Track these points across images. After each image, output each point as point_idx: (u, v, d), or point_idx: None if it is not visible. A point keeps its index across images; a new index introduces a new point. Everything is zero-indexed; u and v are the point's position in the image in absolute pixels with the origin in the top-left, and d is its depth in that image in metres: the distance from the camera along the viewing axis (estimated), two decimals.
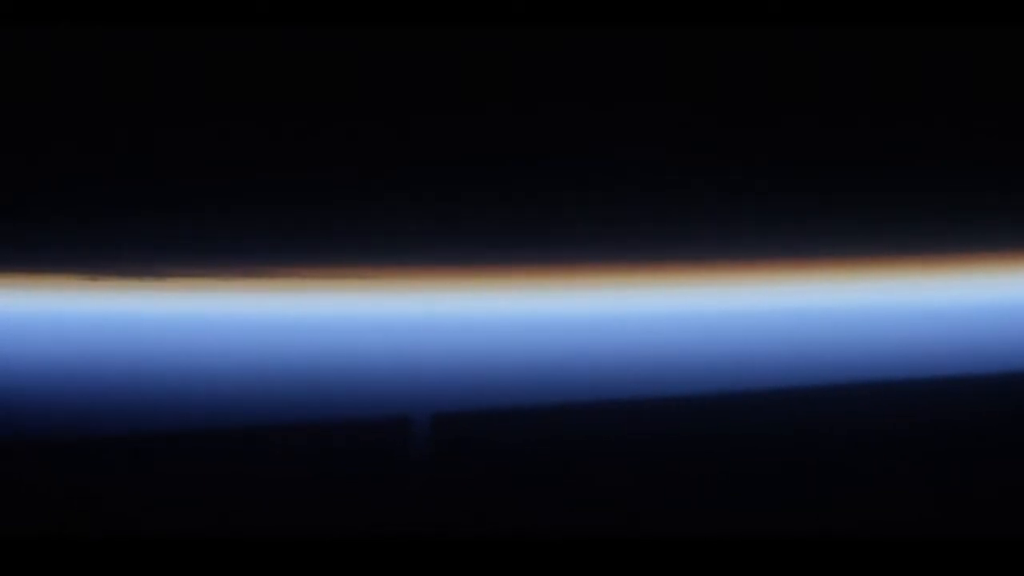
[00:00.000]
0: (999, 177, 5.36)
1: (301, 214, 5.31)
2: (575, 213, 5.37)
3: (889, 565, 5.01)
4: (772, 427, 5.49)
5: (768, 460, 5.42)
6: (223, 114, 5.03)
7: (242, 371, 5.51)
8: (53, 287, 5.55)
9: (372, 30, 4.84)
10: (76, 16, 4.69)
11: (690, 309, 5.69)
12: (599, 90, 5.03)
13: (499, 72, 4.96)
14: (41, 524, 5.08)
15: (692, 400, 5.50)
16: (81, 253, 5.45)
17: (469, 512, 5.26)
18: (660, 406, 5.48)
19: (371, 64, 4.94)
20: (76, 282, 5.53)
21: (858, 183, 5.36)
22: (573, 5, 4.79)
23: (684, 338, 5.65)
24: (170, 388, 5.47)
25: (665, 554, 5.02)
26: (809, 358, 5.66)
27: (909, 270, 5.74)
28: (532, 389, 5.51)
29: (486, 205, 5.32)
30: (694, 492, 5.32)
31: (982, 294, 5.72)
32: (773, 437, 5.47)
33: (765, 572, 5.01)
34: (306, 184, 5.23)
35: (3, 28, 4.68)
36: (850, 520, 5.23)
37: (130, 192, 5.23)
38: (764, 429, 5.48)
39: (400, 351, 5.53)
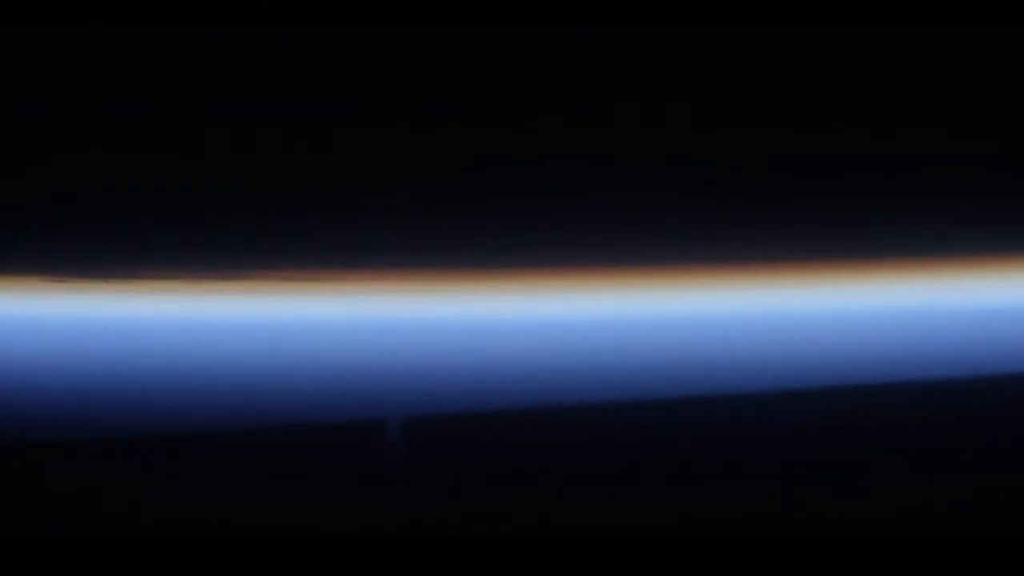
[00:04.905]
0: (999, 179, 5.36)
1: (277, 218, 5.31)
2: (555, 215, 5.37)
3: (888, 565, 5.01)
4: (767, 430, 5.49)
5: (763, 462, 5.42)
6: (203, 117, 5.02)
7: (217, 374, 5.50)
8: (19, 290, 5.53)
9: (369, 31, 4.84)
10: (58, 16, 4.69)
11: (672, 311, 5.69)
12: (598, 91, 5.03)
13: (498, 74, 4.96)
14: (19, 525, 5.08)
15: (673, 403, 5.49)
16: (48, 255, 5.44)
17: (445, 514, 5.26)
18: (642, 409, 5.47)
19: (364, 66, 4.95)
20: (43, 285, 5.52)
21: (858, 184, 5.36)
22: (573, 5, 4.80)
23: (666, 341, 5.64)
24: (141, 391, 5.46)
25: (647, 556, 5.02)
26: (808, 361, 5.66)
27: (908, 272, 5.74)
28: (508, 392, 5.51)
29: (464, 209, 5.31)
30: (676, 494, 5.32)
31: (981, 296, 5.72)
32: (768, 439, 5.47)
33: (763, 572, 5.01)
34: (284, 187, 5.23)
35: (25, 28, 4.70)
36: (850, 520, 5.24)
37: (104, 194, 5.22)
38: (758, 432, 5.48)
39: (375, 354, 5.53)
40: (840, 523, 5.23)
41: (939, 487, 5.34)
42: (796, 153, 5.25)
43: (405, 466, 5.33)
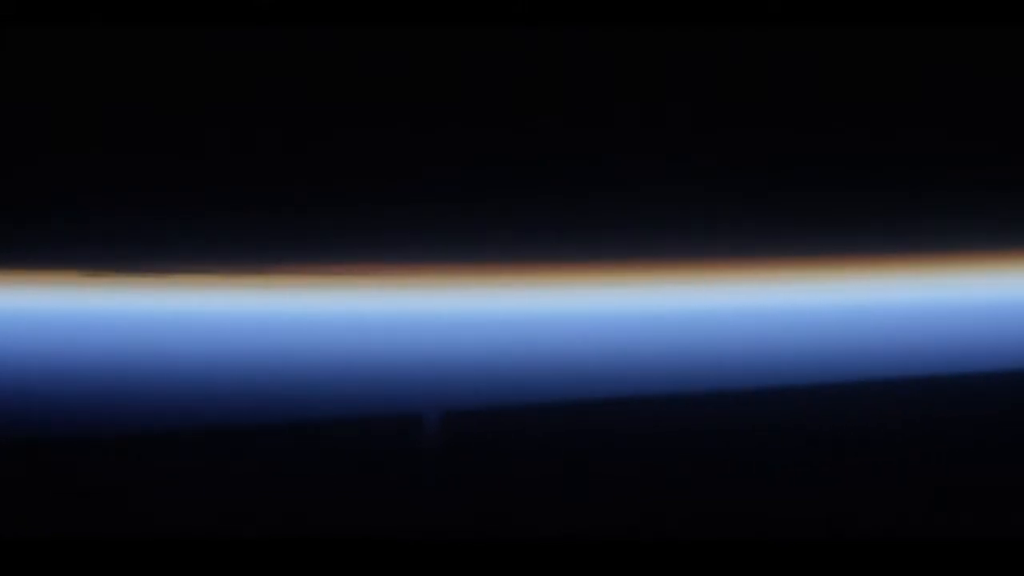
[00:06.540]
0: (998, 178, 5.37)
1: (312, 211, 5.32)
2: (584, 212, 5.38)
3: (888, 565, 5.01)
4: (783, 425, 5.49)
5: (779, 460, 5.43)
6: (226, 113, 5.03)
7: (250, 369, 5.51)
8: (52, 284, 5.55)
9: (369, 31, 4.84)
10: (77, 16, 4.70)
11: (701, 307, 5.69)
12: (598, 91, 5.03)
13: (498, 74, 4.96)
14: (40, 523, 5.08)
15: (704, 397, 5.50)
16: (80, 250, 5.45)
17: (480, 509, 5.26)
18: (670, 403, 5.48)
19: (364, 66, 4.95)
20: (75, 279, 5.53)
21: (857, 184, 5.36)
22: (573, 5, 4.80)
23: (694, 336, 5.65)
24: (174, 386, 5.47)
25: (672, 554, 5.02)
26: (808, 357, 5.66)
27: (906, 270, 5.74)
28: (542, 386, 5.51)
29: (497, 204, 5.32)
30: (704, 490, 5.32)
31: (980, 294, 5.72)
32: (785, 436, 5.47)
33: (769, 572, 5.01)
34: (318, 181, 5.24)
35: (3, 28, 4.70)
36: (849, 520, 5.24)
37: (130, 189, 5.23)
38: (773, 427, 5.48)
39: (411, 349, 5.54)
40: (839, 522, 5.23)
41: (939, 486, 5.34)
42: (796, 153, 5.25)
43: (439, 461, 5.34)
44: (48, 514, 5.14)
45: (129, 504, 5.20)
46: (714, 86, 5.01)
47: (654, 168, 5.26)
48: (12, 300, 5.53)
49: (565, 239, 5.49)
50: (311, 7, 4.76)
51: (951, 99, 5.07)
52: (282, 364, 5.50)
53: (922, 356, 5.66)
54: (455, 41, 4.87)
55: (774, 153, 5.24)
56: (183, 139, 5.09)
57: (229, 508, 5.21)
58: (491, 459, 5.37)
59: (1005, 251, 5.67)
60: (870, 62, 4.96)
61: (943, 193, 5.40)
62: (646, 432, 5.43)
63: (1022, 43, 4.90)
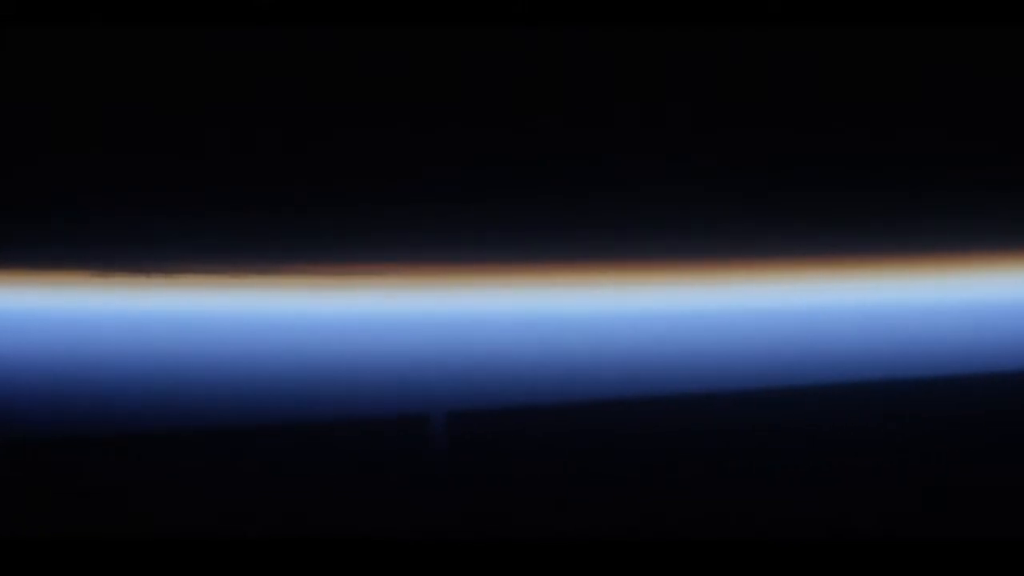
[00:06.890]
0: (998, 178, 5.37)
1: (312, 211, 5.32)
2: (584, 212, 5.38)
3: (887, 565, 5.01)
4: (783, 425, 5.49)
5: (779, 460, 5.43)
6: (226, 113, 5.03)
7: (252, 369, 5.51)
8: (60, 284, 5.56)
9: (369, 31, 4.84)
10: (77, 16, 4.70)
11: (701, 307, 5.70)
12: (598, 91, 5.03)
13: (498, 74, 4.97)
14: (40, 523, 5.09)
15: (704, 397, 5.50)
16: (80, 250, 5.46)
17: (482, 510, 5.27)
18: (670, 403, 5.48)
19: (364, 66, 4.95)
20: (75, 279, 5.54)
21: (857, 184, 5.37)
22: (573, 5, 4.80)
23: (694, 336, 5.65)
24: (175, 386, 5.48)
25: (672, 554, 5.02)
26: (809, 357, 5.66)
27: (906, 270, 5.74)
28: (547, 387, 5.52)
29: (497, 204, 5.33)
30: (704, 490, 5.33)
31: (979, 294, 5.72)
32: (785, 436, 5.47)
33: (769, 572, 5.02)
34: (318, 181, 5.24)
35: (3, 28, 4.70)
36: (849, 520, 5.24)
37: (130, 189, 5.23)
38: (773, 427, 5.48)
39: (417, 350, 5.54)
40: (839, 522, 5.23)
41: (939, 486, 5.34)
42: (796, 153, 5.25)
43: (445, 461, 5.34)
44: (48, 514, 5.14)
45: (129, 504, 5.21)
46: (714, 86, 5.00)
47: (654, 168, 5.26)
48: (12, 300, 5.54)
49: (565, 239, 5.49)
50: (311, 7, 4.76)
51: (951, 99, 5.07)
52: (284, 364, 5.51)
53: (922, 356, 5.66)
54: (455, 41, 4.87)
55: (774, 153, 5.24)
56: (183, 139, 5.09)
57: (229, 508, 5.21)
58: (494, 459, 5.38)
59: (1005, 251, 5.67)
60: (870, 62, 4.96)
61: (943, 193, 5.40)
62: (646, 432, 5.44)
63: (1022, 43, 4.90)
